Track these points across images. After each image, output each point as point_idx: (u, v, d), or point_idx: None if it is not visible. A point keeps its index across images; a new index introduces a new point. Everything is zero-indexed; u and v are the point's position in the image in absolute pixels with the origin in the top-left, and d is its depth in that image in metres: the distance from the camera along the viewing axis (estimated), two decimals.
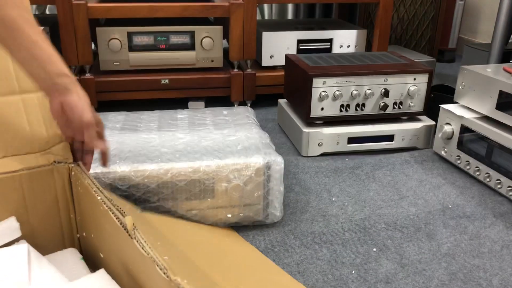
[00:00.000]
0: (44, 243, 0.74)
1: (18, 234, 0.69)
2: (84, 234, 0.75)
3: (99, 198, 0.63)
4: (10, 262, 0.61)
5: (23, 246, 0.64)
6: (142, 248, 0.53)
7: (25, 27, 0.68)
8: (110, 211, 0.60)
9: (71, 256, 0.74)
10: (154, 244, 0.55)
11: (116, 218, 0.59)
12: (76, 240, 0.77)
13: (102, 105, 1.51)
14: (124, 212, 0.58)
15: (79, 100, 0.70)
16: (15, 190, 0.70)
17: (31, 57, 0.68)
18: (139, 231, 0.55)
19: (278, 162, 0.89)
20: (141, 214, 0.80)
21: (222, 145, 0.93)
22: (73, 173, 0.73)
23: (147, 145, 0.93)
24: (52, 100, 0.70)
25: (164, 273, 0.48)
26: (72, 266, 0.71)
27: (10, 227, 0.69)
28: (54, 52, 0.70)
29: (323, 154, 1.26)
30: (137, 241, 0.54)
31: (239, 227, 0.93)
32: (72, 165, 0.74)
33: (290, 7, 2.46)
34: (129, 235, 0.55)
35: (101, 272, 0.63)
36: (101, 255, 0.68)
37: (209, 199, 0.88)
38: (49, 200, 0.73)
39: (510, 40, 1.55)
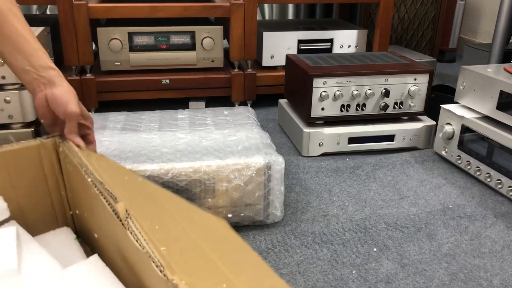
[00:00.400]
0: (35, 222, 0.71)
1: (6, 214, 0.67)
2: (77, 211, 0.72)
3: (89, 180, 0.60)
4: None
5: (12, 229, 0.62)
6: (137, 241, 0.48)
7: (13, 20, 0.67)
8: (101, 195, 0.57)
9: (64, 236, 0.71)
10: (152, 228, 0.50)
11: (108, 204, 0.55)
12: (69, 218, 0.75)
13: (103, 105, 1.51)
14: (116, 198, 0.54)
15: (64, 93, 0.68)
16: None
17: (16, 50, 0.67)
18: (133, 218, 0.51)
19: (278, 162, 0.89)
20: (143, 182, 0.76)
21: (222, 145, 0.93)
22: (61, 149, 0.70)
23: (147, 145, 0.93)
24: (36, 93, 0.69)
25: (161, 271, 0.45)
26: (65, 247, 0.69)
27: None
28: (41, 46, 0.69)
29: (323, 154, 1.26)
30: (131, 232, 0.50)
31: (239, 227, 0.93)
32: (60, 140, 0.71)
33: (290, 7, 2.46)
34: (122, 224, 0.51)
35: (95, 259, 0.60)
36: (95, 236, 0.65)
37: (209, 199, 0.88)
38: (37, 178, 0.71)
39: (510, 40, 1.55)
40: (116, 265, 0.59)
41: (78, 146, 0.70)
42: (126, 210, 0.52)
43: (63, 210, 0.74)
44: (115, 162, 0.75)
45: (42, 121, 0.72)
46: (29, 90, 0.70)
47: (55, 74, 0.69)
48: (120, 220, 0.51)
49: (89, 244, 0.71)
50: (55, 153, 0.71)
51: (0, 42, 0.67)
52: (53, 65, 0.70)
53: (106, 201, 0.55)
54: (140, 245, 0.48)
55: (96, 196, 0.58)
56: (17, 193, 0.70)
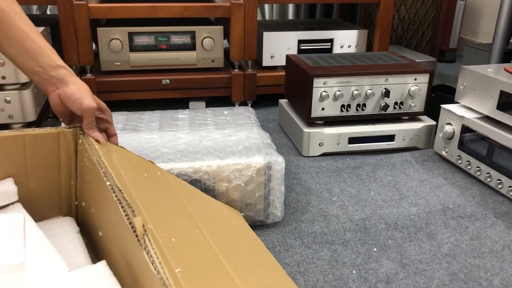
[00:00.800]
0: (40, 207, 0.72)
1: (14, 198, 0.67)
2: (83, 203, 0.72)
3: (108, 183, 0.58)
4: (3, 239, 0.57)
5: (19, 217, 0.61)
6: (152, 263, 0.47)
7: (15, 19, 0.66)
8: (119, 203, 0.55)
9: (68, 228, 0.71)
10: (168, 243, 0.50)
11: (126, 215, 0.53)
12: (73, 208, 0.75)
13: None
14: (134, 211, 0.53)
15: (77, 89, 0.68)
16: (16, 150, 0.68)
17: (23, 50, 0.66)
18: (150, 235, 0.50)
19: (279, 162, 0.89)
20: (162, 176, 0.74)
21: (223, 145, 0.93)
22: (80, 141, 0.70)
23: (148, 145, 0.93)
24: (50, 94, 0.68)
25: None
26: (68, 240, 0.68)
27: (7, 191, 0.67)
28: (47, 44, 0.68)
29: (324, 154, 1.26)
30: (147, 253, 0.48)
31: None
32: (80, 132, 0.71)
33: (291, 7, 2.46)
34: (138, 240, 0.50)
35: (103, 265, 0.58)
36: (100, 234, 0.64)
37: None
38: (51, 164, 0.71)
39: (511, 40, 1.55)
40: (119, 270, 0.58)
41: (98, 141, 0.69)
42: (143, 226, 0.50)
43: (69, 199, 0.74)
44: (134, 156, 0.75)
45: (61, 119, 0.72)
46: (42, 90, 0.70)
47: (65, 72, 0.68)
48: (136, 236, 0.50)
49: (89, 238, 0.70)
50: (74, 143, 0.72)
51: (5, 44, 0.66)
52: (62, 63, 0.69)
53: (124, 211, 0.54)
54: (155, 269, 0.47)
55: (112, 201, 0.57)
56: (29, 176, 0.70)
